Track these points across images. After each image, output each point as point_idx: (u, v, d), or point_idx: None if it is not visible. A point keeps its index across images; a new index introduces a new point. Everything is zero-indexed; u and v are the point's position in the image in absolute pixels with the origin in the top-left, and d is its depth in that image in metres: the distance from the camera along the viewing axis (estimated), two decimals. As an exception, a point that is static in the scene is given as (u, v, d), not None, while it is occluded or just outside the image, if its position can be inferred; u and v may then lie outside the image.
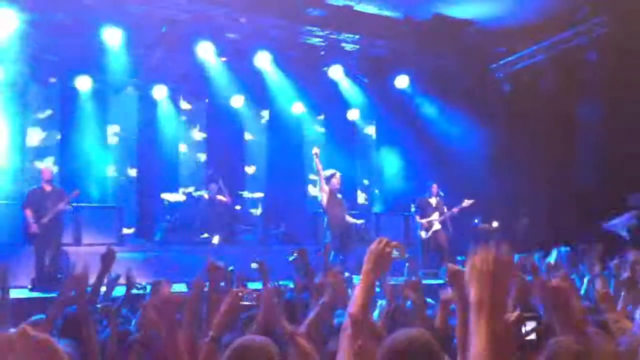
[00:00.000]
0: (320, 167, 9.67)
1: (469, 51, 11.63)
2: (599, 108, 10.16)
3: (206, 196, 11.38)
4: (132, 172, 12.78)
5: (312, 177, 9.99)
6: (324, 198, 9.71)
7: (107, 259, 4.02)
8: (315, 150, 9.77)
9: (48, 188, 8.90)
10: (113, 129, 12.59)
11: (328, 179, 9.75)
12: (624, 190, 9.55)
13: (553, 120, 10.97)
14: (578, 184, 10.39)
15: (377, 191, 10.15)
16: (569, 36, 10.64)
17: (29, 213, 8.64)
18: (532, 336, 2.52)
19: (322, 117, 14.37)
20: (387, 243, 2.29)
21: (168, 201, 11.67)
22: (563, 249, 7.33)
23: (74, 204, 9.59)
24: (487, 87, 12.16)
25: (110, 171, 12.46)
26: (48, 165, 10.63)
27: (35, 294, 7.72)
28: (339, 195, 9.87)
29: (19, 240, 9.38)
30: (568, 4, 10.03)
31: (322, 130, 14.47)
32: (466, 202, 10.65)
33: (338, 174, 9.89)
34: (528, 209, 11.30)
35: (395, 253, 2.32)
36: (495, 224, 11.16)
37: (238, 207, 11.59)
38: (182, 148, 13.41)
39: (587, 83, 10.51)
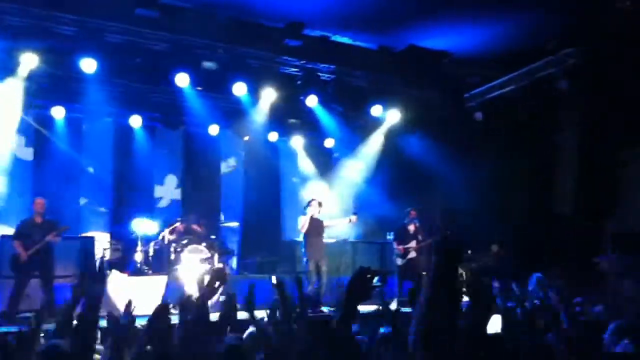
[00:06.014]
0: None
1: (443, 81, 11.79)
2: (572, 136, 10.34)
3: (181, 227, 11.16)
4: (106, 202, 12.63)
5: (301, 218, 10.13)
6: (304, 225, 9.75)
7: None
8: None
9: (39, 220, 8.74)
10: (88, 158, 12.46)
11: (306, 207, 9.89)
12: (600, 218, 9.69)
13: (527, 149, 11.12)
14: (553, 212, 10.50)
15: (353, 218, 10.17)
16: (540, 66, 10.85)
17: (17, 244, 8.47)
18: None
19: (299, 145, 14.40)
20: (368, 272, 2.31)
21: (140, 232, 11.33)
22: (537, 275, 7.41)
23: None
24: (461, 116, 12.30)
25: (84, 201, 12.29)
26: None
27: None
28: (319, 220, 9.91)
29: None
30: (539, 35, 10.24)
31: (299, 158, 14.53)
32: (447, 234, 10.77)
33: (316, 201, 10.00)
34: (502, 237, 11.34)
35: (375, 281, 2.34)
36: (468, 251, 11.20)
37: (213, 237, 11.39)
38: (158, 177, 13.31)
39: (559, 112, 10.71)
